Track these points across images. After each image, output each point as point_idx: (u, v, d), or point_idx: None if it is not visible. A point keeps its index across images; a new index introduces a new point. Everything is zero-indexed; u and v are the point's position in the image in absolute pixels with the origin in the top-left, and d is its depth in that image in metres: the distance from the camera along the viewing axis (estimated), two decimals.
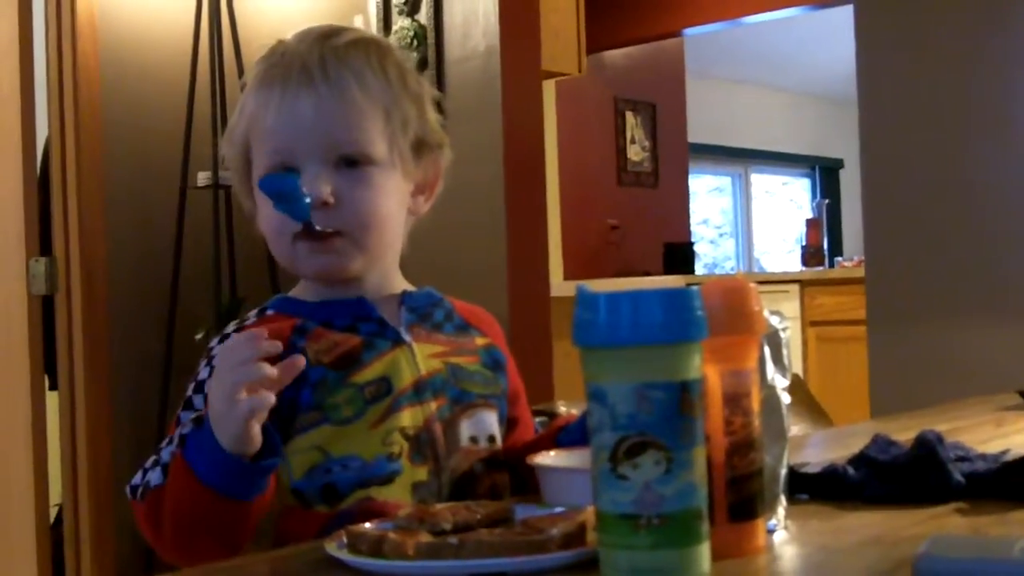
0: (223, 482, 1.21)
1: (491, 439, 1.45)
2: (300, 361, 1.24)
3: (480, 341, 1.51)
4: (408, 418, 1.37)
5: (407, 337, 1.43)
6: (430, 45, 3.72)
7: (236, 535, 1.26)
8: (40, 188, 3.46)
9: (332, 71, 1.40)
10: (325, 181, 1.38)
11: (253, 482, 1.23)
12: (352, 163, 1.40)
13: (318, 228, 1.38)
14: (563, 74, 5.17)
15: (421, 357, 1.42)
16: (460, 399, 1.43)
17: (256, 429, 1.20)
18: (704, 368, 0.93)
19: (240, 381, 1.19)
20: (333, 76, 1.39)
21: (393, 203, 1.45)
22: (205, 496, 1.22)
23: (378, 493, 1.33)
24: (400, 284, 1.50)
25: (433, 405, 1.40)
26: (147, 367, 3.61)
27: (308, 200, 1.35)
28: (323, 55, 1.41)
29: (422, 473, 1.36)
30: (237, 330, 1.39)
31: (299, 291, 1.48)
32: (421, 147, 1.48)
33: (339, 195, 1.38)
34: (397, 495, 1.33)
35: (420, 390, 1.39)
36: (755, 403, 1.01)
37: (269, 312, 1.44)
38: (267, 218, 1.43)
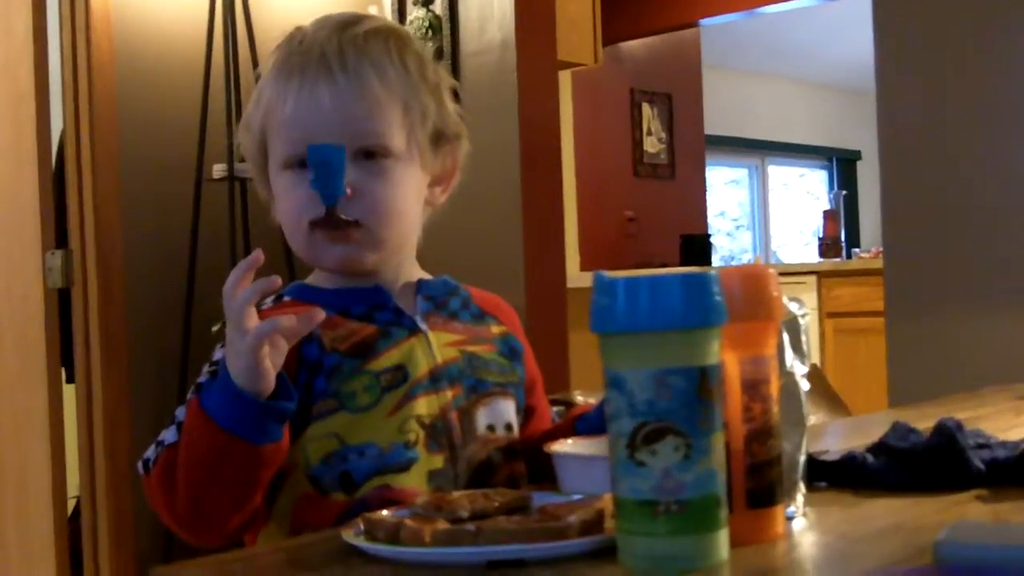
0: (236, 421, 1.21)
1: (508, 427, 1.45)
2: (319, 313, 1.24)
3: (496, 329, 1.51)
4: (424, 406, 1.37)
5: (423, 326, 1.42)
6: (445, 36, 3.71)
7: (249, 486, 1.26)
8: (56, 181, 3.46)
9: (351, 61, 1.39)
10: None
11: (266, 425, 1.22)
12: (370, 155, 1.40)
13: (342, 216, 1.37)
14: (579, 65, 5.16)
15: (437, 345, 1.41)
16: (477, 388, 1.43)
17: (267, 363, 1.20)
18: (723, 354, 0.93)
19: (243, 305, 1.19)
20: (352, 67, 1.39)
21: (411, 195, 1.44)
22: (218, 438, 1.22)
23: (394, 481, 1.32)
24: (416, 273, 1.50)
25: (449, 393, 1.39)
26: (164, 359, 3.61)
27: (344, 181, 1.34)
28: (342, 45, 1.40)
29: (438, 461, 1.36)
30: None
31: (315, 279, 1.47)
32: (439, 138, 1.48)
33: (357, 187, 1.38)
34: (413, 483, 1.33)
35: (436, 378, 1.39)
36: (774, 390, 1.01)
37: (285, 299, 1.44)
38: (284, 208, 1.43)
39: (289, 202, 1.41)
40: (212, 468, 1.24)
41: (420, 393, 1.37)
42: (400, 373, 1.37)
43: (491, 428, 1.42)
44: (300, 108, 1.39)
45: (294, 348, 1.29)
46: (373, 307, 1.41)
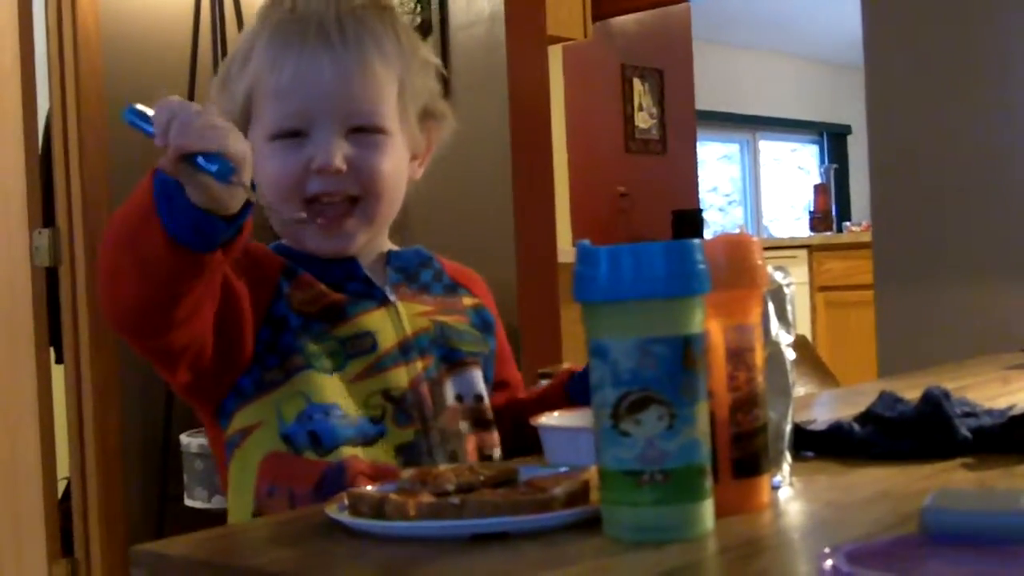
0: (165, 198, 1.12)
1: (478, 398, 1.44)
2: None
3: (468, 301, 1.51)
4: (392, 379, 1.36)
5: (392, 297, 1.42)
6: (434, 9, 3.69)
7: (161, 276, 1.15)
8: (43, 159, 3.44)
9: (351, 34, 1.37)
10: (337, 148, 1.36)
11: (183, 204, 1.12)
12: (363, 129, 1.39)
13: (326, 200, 1.37)
14: (568, 39, 5.14)
15: (407, 316, 1.41)
16: (449, 357, 1.42)
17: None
18: (707, 323, 0.92)
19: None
20: (352, 40, 1.37)
21: (399, 171, 1.44)
22: (145, 204, 1.13)
23: (365, 453, 1.32)
24: (385, 244, 1.50)
25: (419, 364, 1.39)
26: None
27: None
28: (340, 14, 1.38)
29: (408, 434, 1.35)
30: None
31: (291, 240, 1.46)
32: (426, 117, 1.48)
33: (350, 161, 1.37)
34: (381, 456, 1.32)
35: (406, 350, 1.39)
36: (759, 358, 1.00)
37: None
38: (272, 178, 1.39)
39: (279, 172, 1.39)
40: (131, 232, 1.16)
41: (389, 366, 1.36)
42: (368, 340, 1.36)
43: (459, 398, 1.42)
44: (298, 79, 1.37)
45: (264, 304, 1.30)
46: (343, 278, 1.40)
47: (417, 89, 1.45)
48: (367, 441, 1.32)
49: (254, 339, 1.32)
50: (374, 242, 1.47)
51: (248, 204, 1.16)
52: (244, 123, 1.43)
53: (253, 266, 1.34)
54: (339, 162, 1.36)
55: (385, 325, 1.38)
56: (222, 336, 1.28)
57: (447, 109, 1.52)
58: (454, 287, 1.51)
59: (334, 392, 1.33)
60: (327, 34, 1.37)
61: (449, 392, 1.41)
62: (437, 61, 1.53)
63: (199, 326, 1.23)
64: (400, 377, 1.37)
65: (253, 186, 1.18)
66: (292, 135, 1.38)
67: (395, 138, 1.42)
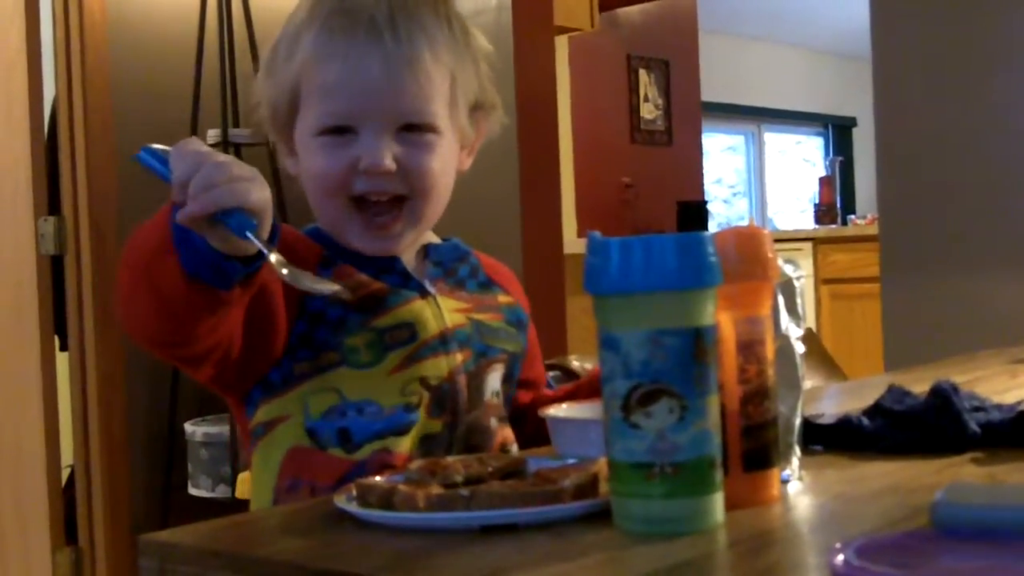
0: (185, 241, 1.12)
1: (498, 395, 1.44)
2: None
3: (504, 299, 1.50)
4: (431, 368, 1.35)
5: (431, 289, 1.41)
6: None
7: (176, 305, 1.15)
8: (49, 147, 3.44)
9: (402, 29, 1.34)
10: (387, 148, 1.34)
11: (201, 244, 1.11)
12: (413, 128, 1.37)
13: (373, 199, 1.35)
14: (575, 29, 5.13)
15: (446, 309, 1.40)
16: (486, 353, 1.41)
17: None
18: (718, 315, 0.92)
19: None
20: (403, 36, 1.34)
21: (448, 169, 1.42)
22: (164, 240, 1.13)
23: (394, 445, 1.31)
24: (426, 236, 1.48)
25: (459, 356, 1.38)
26: None
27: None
28: (392, 8, 1.35)
29: (436, 426, 1.35)
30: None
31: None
32: (476, 109, 1.46)
33: (399, 161, 1.35)
34: (407, 447, 1.32)
35: (446, 340, 1.37)
36: (769, 351, 1.00)
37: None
38: (317, 174, 1.38)
39: (325, 169, 1.37)
40: (148, 260, 1.16)
41: (428, 355, 1.35)
42: (407, 331, 1.35)
43: (496, 395, 1.42)
44: (347, 77, 1.34)
45: (299, 296, 1.28)
46: (380, 270, 1.39)
47: (469, 82, 1.42)
48: (400, 431, 1.31)
49: (287, 333, 1.31)
50: (418, 238, 1.46)
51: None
52: (291, 113, 1.41)
53: (288, 257, 1.33)
54: (388, 162, 1.34)
55: (425, 315, 1.36)
56: (251, 333, 1.27)
57: (497, 99, 1.50)
58: (489, 284, 1.49)
59: (370, 388, 1.31)
60: (378, 30, 1.33)
61: (488, 387, 1.40)
62: (490, 48, 1.50)
63: (225, 331, 1.23)
64: (440, 366, 1.35)
65: (275, 231, 1.17)
66: (340, 131, 1.36)
67: (445, 136, 1.39)
